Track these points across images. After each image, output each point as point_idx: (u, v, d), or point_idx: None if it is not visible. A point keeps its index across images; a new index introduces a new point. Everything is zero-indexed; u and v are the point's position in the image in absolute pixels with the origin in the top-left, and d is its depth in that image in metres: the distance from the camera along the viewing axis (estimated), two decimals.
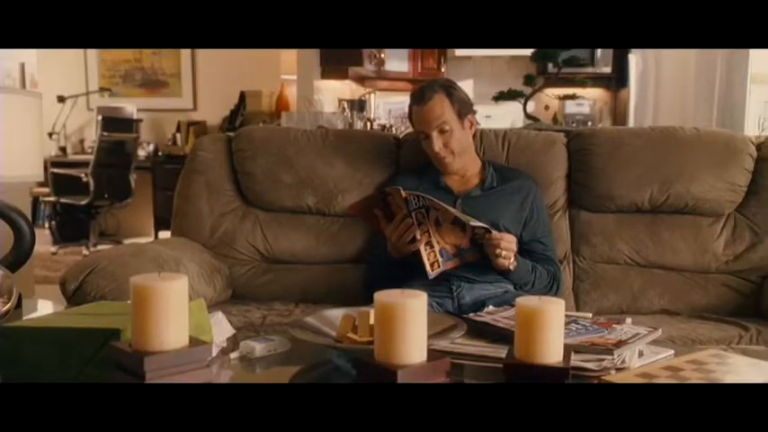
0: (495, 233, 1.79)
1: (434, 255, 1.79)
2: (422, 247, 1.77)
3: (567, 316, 1.23)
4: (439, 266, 1.80)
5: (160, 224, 5.94)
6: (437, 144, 1.99)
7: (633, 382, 1.17)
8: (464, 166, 2.08)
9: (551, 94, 4.42)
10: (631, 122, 5.07)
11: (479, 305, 1.79)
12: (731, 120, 4.57)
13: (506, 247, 1.81)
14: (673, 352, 1.37)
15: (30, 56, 6.48)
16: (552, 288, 2.01)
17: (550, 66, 4.53)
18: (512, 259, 1.85)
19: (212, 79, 6.48)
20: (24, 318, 1.66)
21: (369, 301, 1.11)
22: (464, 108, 2.02)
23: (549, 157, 2.24)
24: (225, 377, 1.35)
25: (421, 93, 2.02)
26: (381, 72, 5.87)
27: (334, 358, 1.40)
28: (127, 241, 5.65)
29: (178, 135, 6.38)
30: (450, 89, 2.01)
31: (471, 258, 1.85)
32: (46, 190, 5.79)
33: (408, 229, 1.77)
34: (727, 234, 2.18)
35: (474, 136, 2.12)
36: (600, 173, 2.21)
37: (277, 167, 2.29)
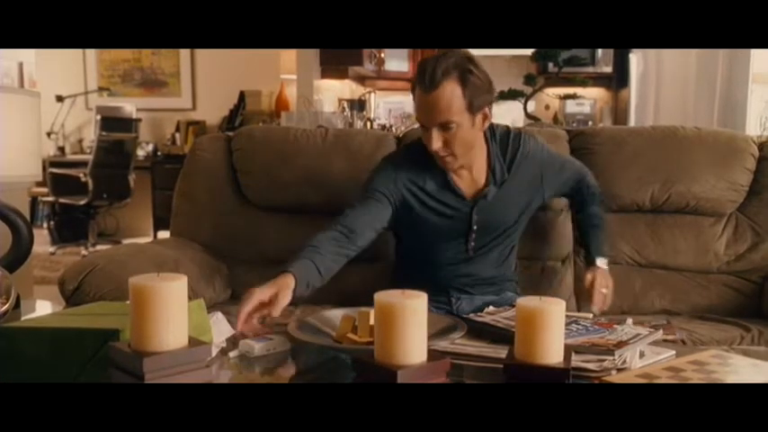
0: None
1: None
2: None
3: (567, 316, 1.22)
4: None
5: (159, 224, 5.94)
6: (435, 143, 1.71)
7: (634, 382, 1.16)
8: (469, 161, 1.81)
9: (552, 93, 4.42)
10: (632, 122, 5.07)
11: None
12: (733, 119, 4.57)
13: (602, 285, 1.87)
14: (674, 352, 1.36)
15: (28, 55, 6.48)
16: (601, 199, 2.06)
17: (551, 65, 4.52)
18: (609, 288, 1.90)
19: (211, 79, 6.48)
20: (23, 318, 1.66)
21: (369, 301, 1.10)
22: (478, 99, 1.69)
23: None
24: (225, 377, 1.34)
25: (431, 74, 1.66)
26: (381, 72, 5.87)
27: (334, 358, 1.40)
28: (126, 241, 5.64)
29: (177, 135, 6.38)
30: (465, 73, 1.67)
31: None
32: (44, 190, 5.79)
33: None
34: (729, 234, 2.18)
35: (486, 129, 1.82)
36: (601, 172, 2.20)
37: (277, 167, 2.29)
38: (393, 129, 5.10)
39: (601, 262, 1.93)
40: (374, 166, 1.98)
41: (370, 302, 1.07)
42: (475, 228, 1.86)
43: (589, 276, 1.89)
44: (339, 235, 1.75)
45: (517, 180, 1.87)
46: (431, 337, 1.12)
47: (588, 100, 5.90)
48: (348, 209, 1.81)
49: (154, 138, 6.56)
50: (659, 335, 1.42)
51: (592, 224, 2.02)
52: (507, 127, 1.93)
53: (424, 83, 1.67)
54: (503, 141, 1.87)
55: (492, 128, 1.87)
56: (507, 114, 5.21)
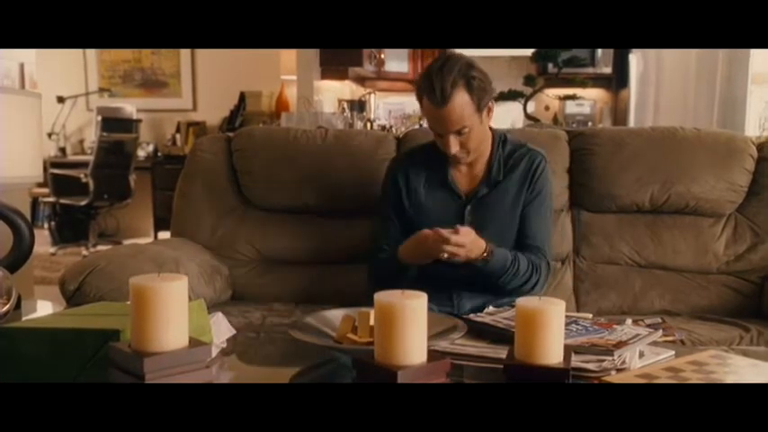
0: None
1: None
2: None
3: (567, 317, 1.22)
4: None
5: (160, 225, 5.94)
6: (453, 147, 1.82)
7: (633, 382, 1.16)
8: (477, 156, 1.91)
9: (551, 94, 4.43)
10: (632, 123, 5.08)
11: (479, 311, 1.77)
12: (732, 120, 4.58)
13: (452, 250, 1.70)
14: (673, 353, 1.37)
15: (29, 56, 6.48)
16: (531, 279, 1.85)
17: (551, 66, 4.53)
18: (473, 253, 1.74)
19: (212, 79, 6.48)
20: (24, 318, 1.66)
21: (369, 301, 1.10)
22: (483, 99, 1.80)
23: (552, 154, 2.21)
24: (225, 377, 1.34)
25: (441, 89, 1.74)
26: (381, 72, 5.87)
27: (334, 359, 1.40)
28: (126, 242, 5.65)
29: (178, 135, 6.38)
30: (470, 80, 1.77)
31: None
32: (45, 190, 5.79)
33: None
34: (728, 234, 2.18)
35: (496, 135, 1.95)
36: (601, 173, 2.21)
37: (277, 167, 2.29)
38: (393, 129, 5.09)
39: (490, 251, 1.77)
40: (376, 167, 2.09)
41: (370, 302, 1.07)
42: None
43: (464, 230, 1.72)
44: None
45: (510, 182, 1.92)
46: (431, 337, 1.12)
47: (588, 101, 5.90)
48: (381, 239, 2.00)
49: (154, 138, 6.56)
50: (659, 335, 1.43)
51: (515, 255, 1.84)
52: (526, 143, 1.98)
53: (435, 98, 1.76)
54: (512, 150, 1.95)
55: (504, 137, 1.97)
56: (507, 115, 5.22)
